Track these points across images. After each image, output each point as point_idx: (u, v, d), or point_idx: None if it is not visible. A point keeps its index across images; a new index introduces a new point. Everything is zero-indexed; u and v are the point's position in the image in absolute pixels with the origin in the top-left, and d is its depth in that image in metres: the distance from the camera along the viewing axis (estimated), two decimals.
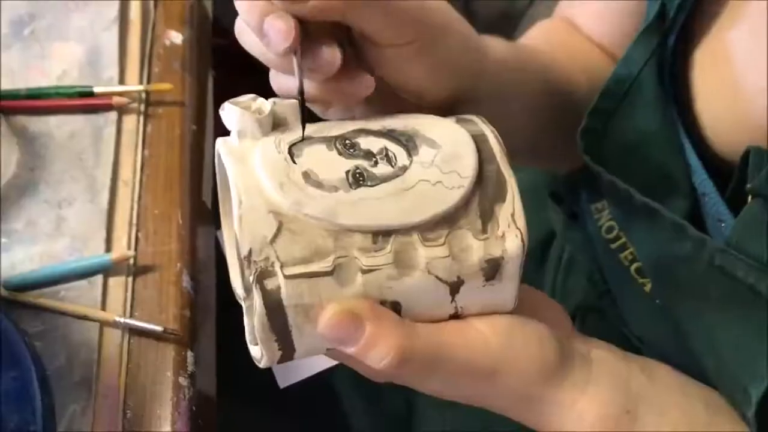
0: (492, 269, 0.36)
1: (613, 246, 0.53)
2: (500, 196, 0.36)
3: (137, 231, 0.57)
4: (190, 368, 0.51)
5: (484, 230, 0.36)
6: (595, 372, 0.39)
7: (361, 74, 0.39)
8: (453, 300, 0.36)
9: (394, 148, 0.37)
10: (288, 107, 0.38)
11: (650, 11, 0.49)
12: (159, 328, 0.51)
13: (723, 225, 0.45)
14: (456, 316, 0.37)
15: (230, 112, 0.37)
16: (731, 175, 0.44)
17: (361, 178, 0.35)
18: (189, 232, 0.57)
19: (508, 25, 1.14)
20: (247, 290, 0.34)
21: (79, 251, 0.55)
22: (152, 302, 0.53)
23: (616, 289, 0.54)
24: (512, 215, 0.36)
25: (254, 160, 0.35)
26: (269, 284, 0.33)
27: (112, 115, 0.62)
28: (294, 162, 0.35)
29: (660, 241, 0.45)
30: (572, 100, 0.54)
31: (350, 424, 0.65)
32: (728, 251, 0.41)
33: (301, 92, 0.37)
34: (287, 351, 0.36)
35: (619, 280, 0.53)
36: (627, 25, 0.55)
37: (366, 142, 0.37)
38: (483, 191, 0.36)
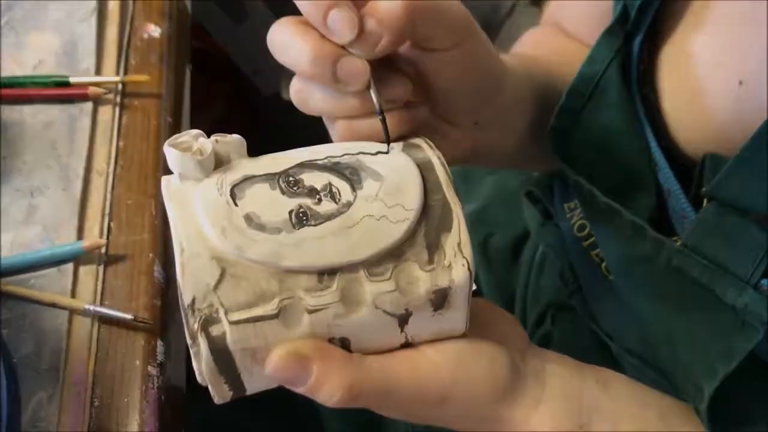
0: (440, 299, 0.36)
1: (585, 244, 0.54)
2: (446, 225, 0.36)
3: (110, 221, 0.56)
4: (159, 358, 0.51)
5: (430, 261, 0.36)
6: (548, 387, 0.40)
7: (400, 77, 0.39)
8: (402, 330, 0.36)
9: (339, 183, 0.36)
10: (230, 144, 0.37)
11: (614, 13, 0.50)
12: (129, 316, 0.50)
13: (686, 221, 0.46)
14: (407, 344, 0.37)
15: (170, 155, 0.36)
16: None
17: (304, 218, 0.35)
18: (162, 223, 0.57)
19: (489, 34, 1.15)
20: (193, 337, 0.34)
21: (50, 240, 0.55)
22: (123, 291, 0.53)
23: (587, 287, 0.54)
24: (458, 244, 0.36)
25: (195, 203, 0.35)
26: (214, 331, 0.33)
27: (88, 106, 0.62)
28: (236, 204, 0.35)
29: (621, 240, 0.46)
30: None
31: (323, 418, 0.64)
32: (684, 252, 0.42)
33: (385, 123, 0.38)
34: (238, 390, 0.36)
35: (589, 278, 0.54)
36: None
37: (310, 178, 0.36)
38: (429, 222, 0.36)
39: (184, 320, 0.33)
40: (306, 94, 0.40)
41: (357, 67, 0.36)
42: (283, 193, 0.36)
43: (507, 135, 0.49)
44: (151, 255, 0.54)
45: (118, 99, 0.62)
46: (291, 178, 0.36)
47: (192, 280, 0.33)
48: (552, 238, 0.58)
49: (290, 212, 0.35)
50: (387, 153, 0.38)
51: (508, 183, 0.68)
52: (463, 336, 0.38)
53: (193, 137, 0.37)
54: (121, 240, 0.55)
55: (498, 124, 0.47)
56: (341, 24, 0.35)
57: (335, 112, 0.40)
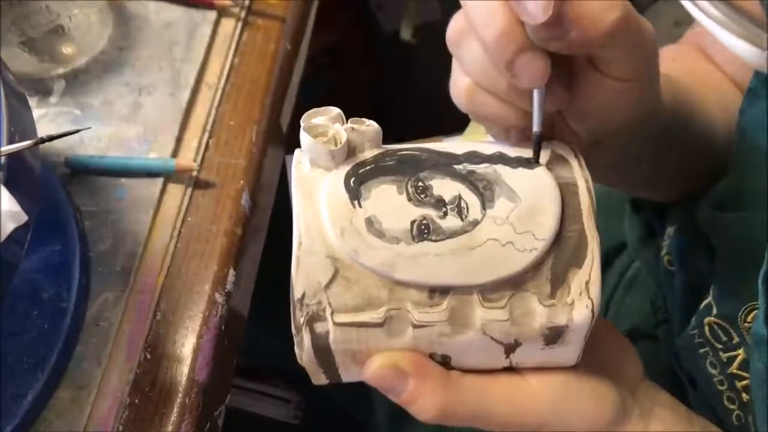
0: (554, 336, 0.34)
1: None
2: (577, 260, 0.34)
3: (209, 137, 0.56)
4: (228, 286, 0.50)
5: (552, 295, 0.33)
6: (652, 430, 0.37)
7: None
8: (507, 357, 0.35)
9: (469, 198, 0.34)
10: (366, 134, 0.36)
11: None
12: None
13: None
14: (510, 368, 0.36)
15: (304, 140, 0.35)
16: None
17: (425, 231, 0.34)
18: (259, 151, 0.56)
19: None
20: (298, 329, 0.34)
21: (148, 142, 0.55)
22: (207, 212, 0.52)
23: (676, 320, 0.51)
24: (587, 283, 0.33)
25: (321, 196, 0.34)
26: (319, 327, 0.33)
27: (211, 15, 0.61)
28: (360, 205, 0.34)
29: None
30: (703, 134, 0.50)
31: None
32: None
33: (542, 132, 0.35)
34: (333, 379, 0.36)
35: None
36: None
37: (440, 186, 0.35)
38: (559, 254, 0.34)
39: (291, 310, 0.33)
40: (475, 94, 0.36)
41: (539, 64, 0.32)
42: (409, 199, 0.34)
43: (626, 159, 0.45)
44: (242, 182, 0.53)
45: (243, 15, 0.61)
46: (420, 184, 0.35)
47: (305, 275, 0.33)
48: (650, 258, 0.55)
49: (412, 222, 0.34)
50: (530, 168, 0.36)
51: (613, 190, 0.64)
52: (573, 366, 0.36)
53: (330, 120, 0.36)
54: (215, 159, 0.54)
55: (621, 149, 0.43)
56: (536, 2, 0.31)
57: (496, 116, 0.36)
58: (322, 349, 0.34)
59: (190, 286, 0.50)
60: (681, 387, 0.50)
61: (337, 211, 0.34)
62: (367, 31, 1.23)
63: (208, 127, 0.56)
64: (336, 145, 0.35)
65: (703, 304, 0.46)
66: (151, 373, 0.47)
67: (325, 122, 0.36)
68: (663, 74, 0.45)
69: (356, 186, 0.35)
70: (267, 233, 0.59)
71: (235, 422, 0.68)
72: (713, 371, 0.46)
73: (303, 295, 0.33)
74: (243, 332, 0.53)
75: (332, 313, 0.33)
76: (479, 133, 0.72)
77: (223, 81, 0.58)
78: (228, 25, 0.61)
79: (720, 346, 0.45)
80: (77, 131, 0.37)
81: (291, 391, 0.84)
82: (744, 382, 0.44)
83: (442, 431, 0.64)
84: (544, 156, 0.36)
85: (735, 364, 0.45)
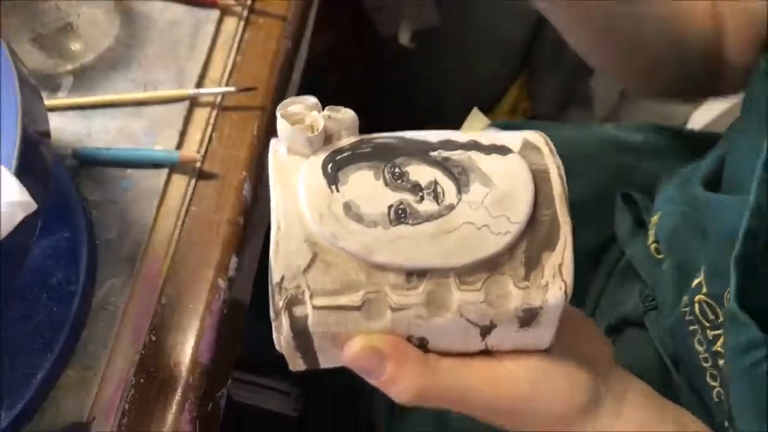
0: (528, 317, 0.35)
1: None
2: (550, 244, 0.35)
3: (213, 131, 0.57)
4: (231, 273, 0.52)
5: (526, 277, 0.34)
6: (624, 416, 0.38)
7: None
8: (483, 339, 0.36)
9: (444, 183, 0.35)
10: (342, 122, 0.36)
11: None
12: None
13: None
14: (486, 351, 0.37)
15: (281, 126, 0.36)
16: None
17: (403, 215, 0.34)
18: (260, 143, 0.57)
19: None
20: (276, 313, 0.34)
21: (153, 136, 0.56)
22: (210, 201, 0.54)
23: (666, 304, 0.53)
24: (560, 265, 0.34)
25: (298, 182, 0.35)
26: (297, 311, 0.34)
27: (214, 14, 0.63)
28: (338, 190, 0.34)
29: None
30: (657, 37, 0.53)
31: None
32: None
33: None
34: (311, 364, 0.36)
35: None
36: None
37: (416, 172, 0.35)
38: (532, 237, 0.35)
39: (270, 294, 0.34)
40: None
41: None
42: (386, 184, 0.35)
43: (578, 22, 0.46)
44: (244, 173, 0.55)
45: (245, 13, 0.63)
46: (397, 170, 0.35)
47: (284, 259, 0.34)
48: (639, 249, 0.57)
49: (389, 207, 0.34)
50: (503, 155, 0.36)
51: (604, 182, 0.66)
52: (546, 351, 0.37)
53: (306, 108, 0.36)
54: (218, 152, 0.56)
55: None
56: None
57: None
58: (301, 333, 0.34)
59: (193, 273, 0.51)
60: (665, 370, 0.51)
61: (315, 196, 0.34)
62: (364, 36, 1.25)
63: (212, 121, 0.58)
64: (313, 132, 0.35)
65: (695, 282, 0.47)
66: (156, 355, 0.48)
67: (301, 110, 0.36)
68: None
69: (333, 172, 0.35)
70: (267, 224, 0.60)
71: (235, 414, 0.70)
72: (700, 348, 0.48)
73: (282, 279, 0.33)
74: (244, 318, 0.55)
75: (311, 297, 0.33)
76: (476, 131, 0.74)
77: (225, 77, 0.60)
78: (230, 23, 0.63)
79: (708, 324, 0.47)
80: None
81: (291, 384, 0.86)
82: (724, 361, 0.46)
83: (440, 423, 0.66)
84: (516, 143, 0.37)
85: (719, 343, 0.46)
